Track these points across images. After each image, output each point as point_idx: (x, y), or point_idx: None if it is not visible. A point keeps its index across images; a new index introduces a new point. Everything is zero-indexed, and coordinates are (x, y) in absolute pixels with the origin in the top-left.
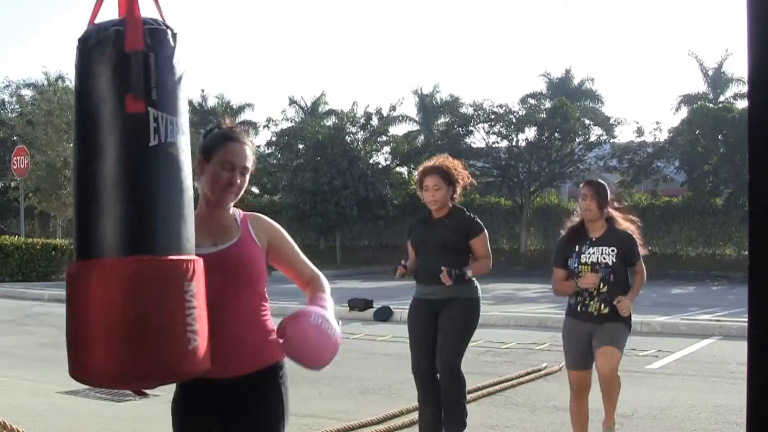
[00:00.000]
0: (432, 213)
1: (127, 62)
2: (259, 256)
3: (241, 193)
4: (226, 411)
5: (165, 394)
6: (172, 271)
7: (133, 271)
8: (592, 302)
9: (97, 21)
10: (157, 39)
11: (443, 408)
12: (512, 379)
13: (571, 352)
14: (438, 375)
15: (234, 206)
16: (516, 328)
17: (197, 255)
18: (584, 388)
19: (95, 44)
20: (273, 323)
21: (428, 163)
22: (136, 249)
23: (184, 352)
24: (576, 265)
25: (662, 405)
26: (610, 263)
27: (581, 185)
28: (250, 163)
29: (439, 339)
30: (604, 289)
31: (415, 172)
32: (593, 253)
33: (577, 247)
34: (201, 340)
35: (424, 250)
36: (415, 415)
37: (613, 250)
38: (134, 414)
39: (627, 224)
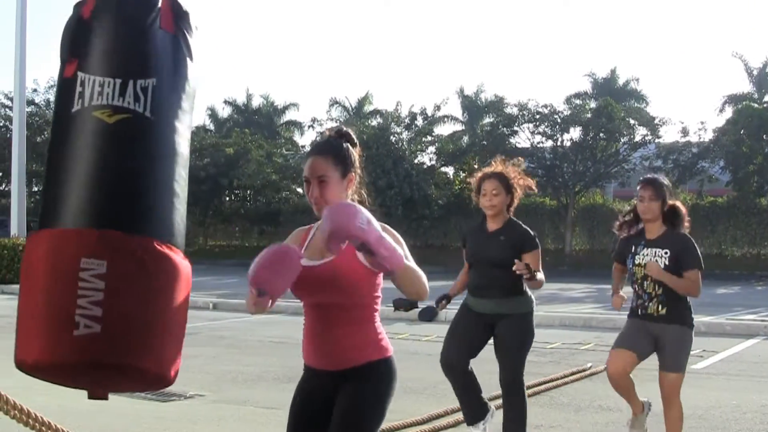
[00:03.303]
0: (487, 220)
1: (67, 24)
2: (354, 269)
3: (334, 200)
4: (331, 399)
5: (210, 394)
6: (61, 242)
7: (28, 244)
8: (650, 304)
9: None
10: (108, 3)
11: (503, 424)
12: (557, 379)
13: (624, 332)
14: (501, 388)
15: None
16: (561, 328)
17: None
18: (619, 370)
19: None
20: (377, 328)
21: (488, 169)
22: (42, 220)
23: (62, 336)
24: (631, 266)
25: (707, 405)
26: (662, 266)
27: (638, 186)
28: (323, 170)
29: (499, 356)
30: (660, 291)
31: (461, 173)
32: (647, 254)
33: (633, 247)
34: (103, 327)
35: (477, 265)
36: (459, 415)
37: (666, 252)
38: (179, 414)
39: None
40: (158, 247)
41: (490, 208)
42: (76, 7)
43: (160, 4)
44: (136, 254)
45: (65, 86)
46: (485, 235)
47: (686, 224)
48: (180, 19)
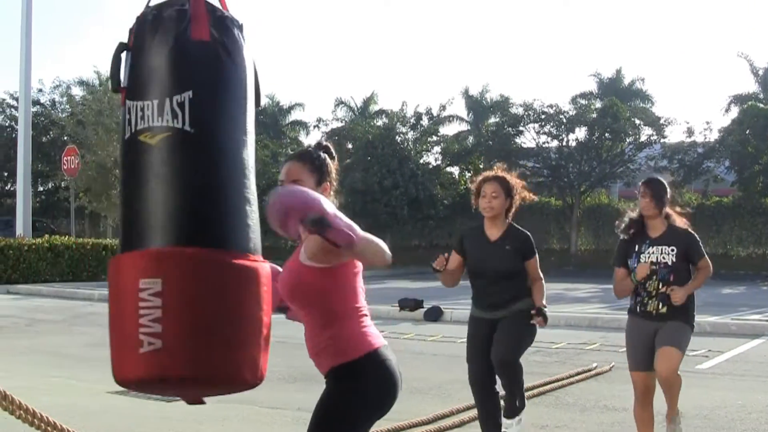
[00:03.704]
0: (486, 226)
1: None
2: (302, 273)
3: None
4: None
5: None
6: (125, 266)
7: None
8: (650, 301)
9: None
10: (139, 26)
11: (504, 397)
12: (562, 379)
13: (632, 353)
14: (496, 367)
15: None
16: (566, 328)
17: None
18: (647, 391)
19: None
20: (354, 326)
21: (488, 173)
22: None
23: (132, 355)
24: (635, 265)
25: (712, 405)
26: (670, 263)
27: (640, 184)
28: (298, 175)
29: (496, 337)
30: (663, 289)
31: (466, 173)
32: (653, 252)
33: (636, 246)
34: (163, 344)
35: (482, 277)
36: (465, 415)
37: (672, 250)
38: (184, 414)
39: (683, 222)
40: (215, 255)
41: (489, 210)
42: (128, 37)
43: (188, 16)
44: (189, 267)
45: (122, 115)
46: (488, 242)
47: (679, 220)
48: (216, 24)
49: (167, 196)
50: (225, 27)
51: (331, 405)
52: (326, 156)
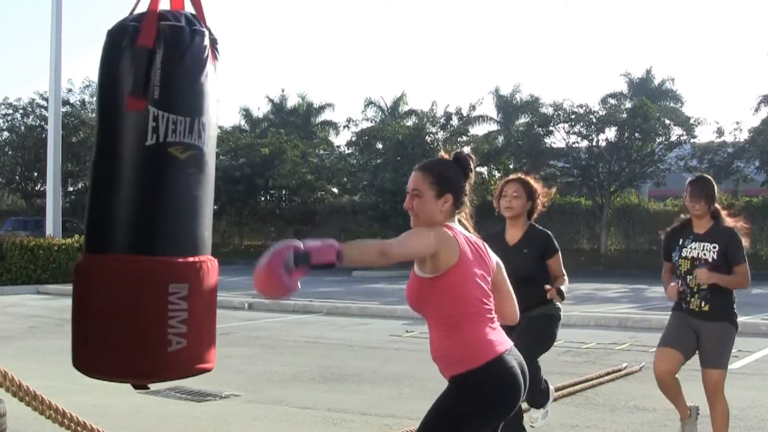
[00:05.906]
0: (507, 228)
1: (136, 58)
2: (417, 283)
3: (424, 214)
4: None
5: (245, 394)
6: (156, 272)
7: (128, 270)
8: (693, 299)
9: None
10: (172, 36)
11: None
12: (592, 379)
13: (667, 332)
14: None
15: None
16: (596, 328)
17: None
18: (668, 369)
19: (116, 38)
20: (465, 340)
21: (511, 176)
22: (133, 248)
23: (161, 354)
24: (677, 258)
25: (743, 405)
26: (710, 260)
27: (687, 183)
28: (418, 185)
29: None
30: (704, 286)
31: (496, 173)
32: (694, 248)
33: (680, 240)
34: (189, 344)
35: None
36: None
37: (714, 247)
38: (215, 414)
39: (734, 223)
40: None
41: (508, 209)
42: (131, 32)
43: (209, 40)
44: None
45: (140, 118)
46: (506, 247)
47: (730, 219)
48: (216, 48)
49: (190, 205)
50: (216, 47)
51: (446, 407)
52: (457, 168)
